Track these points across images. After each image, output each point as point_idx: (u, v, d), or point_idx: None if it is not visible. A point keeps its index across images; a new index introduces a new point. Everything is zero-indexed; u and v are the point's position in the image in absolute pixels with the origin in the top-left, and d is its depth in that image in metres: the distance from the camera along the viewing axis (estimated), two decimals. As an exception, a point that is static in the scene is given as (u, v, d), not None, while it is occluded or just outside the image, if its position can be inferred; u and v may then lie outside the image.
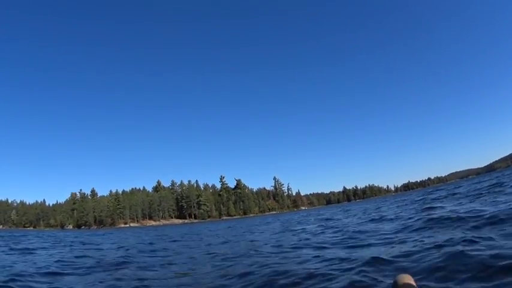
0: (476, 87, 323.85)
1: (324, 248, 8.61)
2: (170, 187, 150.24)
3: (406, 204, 22.46)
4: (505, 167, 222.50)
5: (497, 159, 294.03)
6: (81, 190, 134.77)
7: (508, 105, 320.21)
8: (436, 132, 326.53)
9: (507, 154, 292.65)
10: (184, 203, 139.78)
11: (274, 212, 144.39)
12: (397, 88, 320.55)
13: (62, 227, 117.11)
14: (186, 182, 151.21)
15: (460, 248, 5.40)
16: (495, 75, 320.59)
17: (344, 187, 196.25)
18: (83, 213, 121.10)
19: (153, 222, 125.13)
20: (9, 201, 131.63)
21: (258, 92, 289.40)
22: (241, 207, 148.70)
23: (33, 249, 15.19)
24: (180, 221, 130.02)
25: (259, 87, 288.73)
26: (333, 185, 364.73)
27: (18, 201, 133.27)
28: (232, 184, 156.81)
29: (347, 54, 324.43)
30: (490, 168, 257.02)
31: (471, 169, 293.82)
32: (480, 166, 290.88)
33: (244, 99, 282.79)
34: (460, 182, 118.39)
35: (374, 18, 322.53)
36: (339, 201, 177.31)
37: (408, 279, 2.46)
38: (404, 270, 4.73)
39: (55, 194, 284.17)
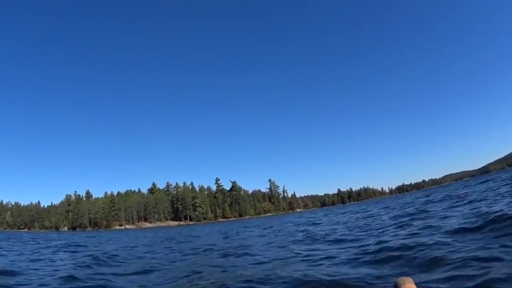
0: (472, 89, 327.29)
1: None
2: (165, 189, 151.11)
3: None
4: (500, 169, 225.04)
5: (491, 161, 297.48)
6: (75, 192, 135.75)
7: (502, 108, 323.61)
8: (431, 135, 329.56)
9: (502, 156, 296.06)
10: (179, 205, 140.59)
11: (269, 214, 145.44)
12: (392, 90, 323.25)
13: (57, 228, 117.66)
14: (181, 184, 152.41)
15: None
16: (490, 77, 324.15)
17: (338, 189, 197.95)
18: (78, 215, 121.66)
19: (148, 224, 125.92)
20: (4, 202, 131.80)
21: (254, 93, 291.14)
22: (237, 209, 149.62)
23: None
24: (176, 223, 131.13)
25: (254, 89, 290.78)
26: (329, 187, 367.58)
27: (13, 203, 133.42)
28: (227, 186, 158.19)
29: (342, 56, 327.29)
30: (484, 171, 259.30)
31: (466, 171, 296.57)
32: (475, 168, 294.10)
33: (239, 101, 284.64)
34: (453, 184, 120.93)
35: (373, 16, 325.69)
36: (333, 204, 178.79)
37: (409, 281, 2.52)
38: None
39: (50, 196, 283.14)
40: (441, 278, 4.82)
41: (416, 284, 2.47)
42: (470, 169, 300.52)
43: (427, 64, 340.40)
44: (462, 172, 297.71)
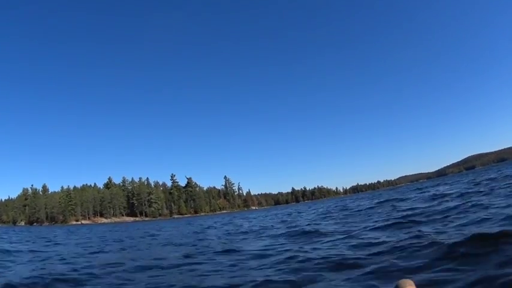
0: (431, 94, 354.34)
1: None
2: (121, 184, 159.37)
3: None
4: (457, 172, 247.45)
5: (449, 164, 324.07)
6: (32, 186, 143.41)
7: (460, 112, 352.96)
8: (388, 136, 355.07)
9: (459, 160, 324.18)
10: (135, 200, 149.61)
11: (225, 211, 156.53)
12: (350, 91, 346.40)
13: (14, 223, 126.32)
14: (137, 179, 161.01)
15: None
16: (450, 81, 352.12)
17: (292, 188, 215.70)
18: (35, 209, 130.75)
19: (104, 220, 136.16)
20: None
21: (209, 90, 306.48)
22: (192, 205, 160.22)
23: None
24: (132, 218, 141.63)
25: (208, 85, 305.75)
26: (283, 185, 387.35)
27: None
28: (183, 182, 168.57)
29: (301, 55, 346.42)
30: (441, 173, 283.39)
31: (421, 173, 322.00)
32: (431, 171, 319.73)
33: (195, 98, 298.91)
34: (408, 185, 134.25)
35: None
36: (287, 202, 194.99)
37: (409, 284, 2.58)
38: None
39: (6, 189, 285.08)
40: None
41: (417, 285, 2.61)
42: (426, 171, 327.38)
43: (388, 65, 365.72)
44: (418, 174, 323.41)
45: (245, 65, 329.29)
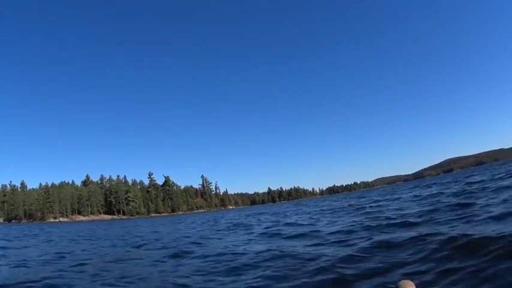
0: (411, 96, 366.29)
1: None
2: (99, 182, 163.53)
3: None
4: (435, 174, 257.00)
5: (426, 166, 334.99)
6: (11, 182, 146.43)
7: (439, 115, 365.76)
8: (365, 138, 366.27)
9: (437, 162, 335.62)
10: (113, 198, 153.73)
11: (202, 210, 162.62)
12: (329, 93, 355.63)
13: None
14: (114, 177, 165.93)
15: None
16: (429, 85, 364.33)
17: (269, 188, 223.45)
18: (13, 206, 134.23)
19: (82, 218, 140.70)
20: None
21: (187, 91, 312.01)
22: (170, 204, 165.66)
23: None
24: (109, 216, 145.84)
25: (186, 86, 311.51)
26: (259, 185, 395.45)
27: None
28: (160, 181, 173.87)
29: (283, 55, 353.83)
30: (418, 175, 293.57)
31: (398, 175, 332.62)
32: (409, 173, 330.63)
33: (172, 97, 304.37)
34: (385, 187, 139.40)
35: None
36: (263, 202, 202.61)
37: (410, 284, 2.76)
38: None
39: None
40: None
41: (417, 286, 2.75)
42: (404, 173, 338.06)
43: (369, 68, 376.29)
44: (395, 176, 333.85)
45: (225, 66, 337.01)
